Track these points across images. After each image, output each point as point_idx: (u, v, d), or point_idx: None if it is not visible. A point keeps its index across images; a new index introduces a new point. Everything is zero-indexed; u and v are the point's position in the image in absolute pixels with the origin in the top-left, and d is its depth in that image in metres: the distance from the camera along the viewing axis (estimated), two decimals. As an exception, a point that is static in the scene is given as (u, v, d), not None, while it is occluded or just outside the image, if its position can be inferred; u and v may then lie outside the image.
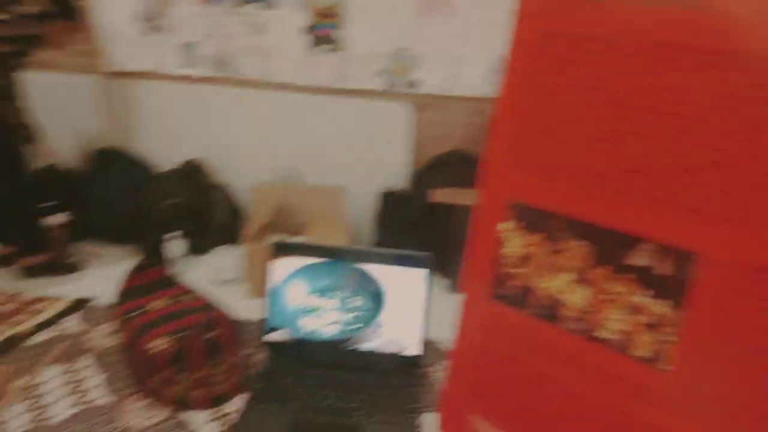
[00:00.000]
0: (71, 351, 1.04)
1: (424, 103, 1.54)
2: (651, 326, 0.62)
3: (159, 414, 0.90)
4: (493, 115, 0.74)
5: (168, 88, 1.75)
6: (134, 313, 0.93)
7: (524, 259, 0.72)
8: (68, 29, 1.78)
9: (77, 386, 0.95)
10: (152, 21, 1.63)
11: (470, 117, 1.54)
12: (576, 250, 0.67)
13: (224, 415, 0.91)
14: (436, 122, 1.56)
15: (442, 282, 1.34)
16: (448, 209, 1.38)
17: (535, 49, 0.67)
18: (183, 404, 0.91)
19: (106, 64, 1.71)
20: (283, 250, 1.06)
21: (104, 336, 1.09)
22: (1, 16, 1.68)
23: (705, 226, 0.57)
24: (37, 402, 0.91)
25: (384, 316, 1.02)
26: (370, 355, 1.02)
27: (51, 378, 0.97)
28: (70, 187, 2.62)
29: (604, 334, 0.66)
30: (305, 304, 1.04)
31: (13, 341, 1.06)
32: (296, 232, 1.45)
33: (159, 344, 0.87)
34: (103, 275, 1.40)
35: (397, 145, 1.59)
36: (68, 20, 1.78)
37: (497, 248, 0.74)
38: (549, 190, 0.69)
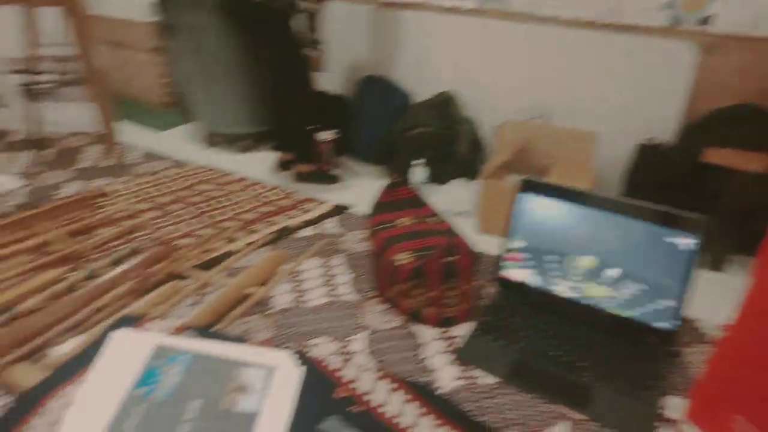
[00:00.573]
0: (328, 249, 1.18)
1: (714, 44, 1.28)
2: None
3: (393, 320, 0.97)
4: None
5: (433, 20, 1.77)
6: (383, 226, 1.00)
7: None
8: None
9: (329, 280, 1.08)
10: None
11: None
12: None
13: (451, 337, 0.94)
14: (725, 68, 1.29)
15: (703, 256, 1.15)
16: (725, 173, 1.15)
17: None
18: (415, 317, 0.97)
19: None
20: (533, 187, 1.00)
21: (356, 241, 1.21)
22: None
23: None
24: (298, 286, 1.06)
25: (636, 277, 0.91)
26: (614, 317, 0.93)
27: (310, 268, 1.11)
28: (339, 108, 2.92)
29: None
30: (554, 249, 0.98)
31: (286, 232, 1.24)
32: (537, 174, 1.38)
33: (402, 258, 0.92)
34: (359, 188, 1.54)
35: (668, 92, 1.37)
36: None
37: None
38: None
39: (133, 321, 0.89)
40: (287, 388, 0.78)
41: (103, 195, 1.36)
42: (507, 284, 1.03)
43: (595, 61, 1.44)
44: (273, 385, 0.78)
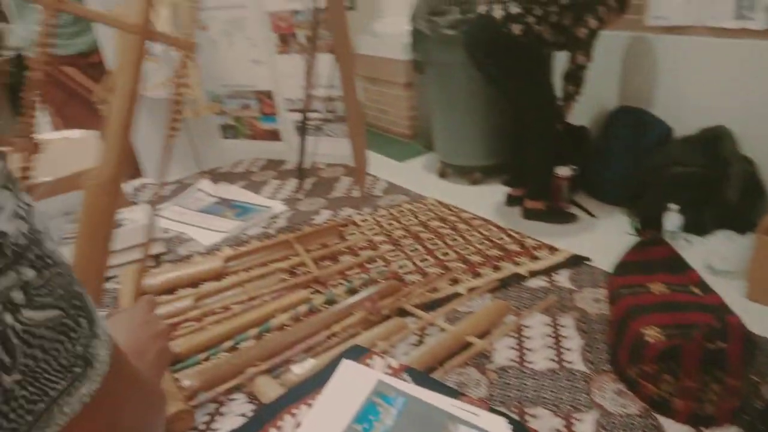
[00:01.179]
0: (558, 305, 1.08)
1: None
2: None
3: (631, 405, 0.83)
4: None
5: (705, 44, 1.53)
6: (629, 290, 0.87)
7: None
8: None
9: (557, 342, 0.98)
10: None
11: None
12: None
13: (707, 442, 0.76)
14: None
15: None
16: None
17: None
18: (659, 407, 0.81)
19: (648, 19, 1.62)
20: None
21: (591, 300, 1.08)
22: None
23: None
24: (521, 343, 0.99)
25: None
26: None
27: (536, 325, 1.03)
28: (580, 141, 2.74)
29: None
30: None
31: (513, 280, 1.17)
32: None
33: (652, 333, 0.78)
34: (598, 233, 1.40)
35: None
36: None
37: None
38: None
39: (360, 352, 0.93)
40: (500, 460, 0.72)
41: (352, 224, 1.48)
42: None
43: None
44: (485, 452, 0.73)
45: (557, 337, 0.99)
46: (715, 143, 1.54)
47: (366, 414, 0.80)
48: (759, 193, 1.41)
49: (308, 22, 1.71)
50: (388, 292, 1.12)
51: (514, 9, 1.88)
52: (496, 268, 1.22)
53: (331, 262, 1.30)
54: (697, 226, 1.44)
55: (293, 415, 0.82)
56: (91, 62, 2.22)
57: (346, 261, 1.30)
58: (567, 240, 1.35)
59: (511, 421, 0.77)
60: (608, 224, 1.49)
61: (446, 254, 1.30)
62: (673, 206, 1.41)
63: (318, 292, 1.18)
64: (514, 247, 1.30)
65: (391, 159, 2.56)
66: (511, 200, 2.32)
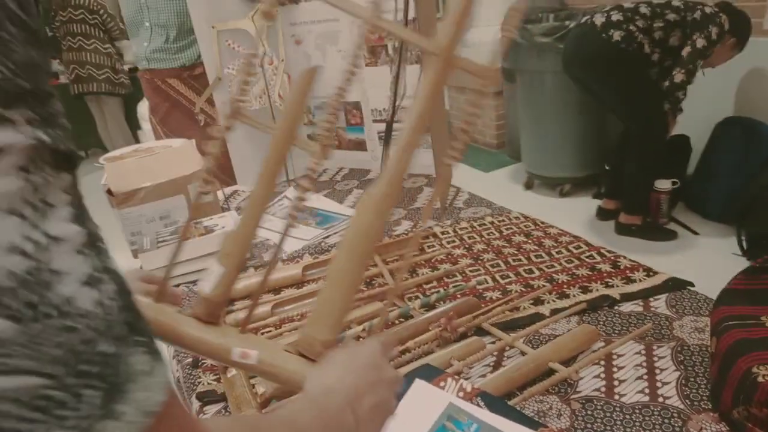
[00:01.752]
0: (654, 334, 0.99)
1: None
2: None
3: (735, 452, 0.74)
4: None
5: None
6: (738, 322, 0.78)
7: None
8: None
9: (650, 374, 0.89)
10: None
11: None
12: None
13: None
14: None
15: None
16: None
17: None
18: (772, 458, 0.71)
19: (767, 23, 1.48)
20: None
21: (691, 330, 0.98)
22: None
23: None
24: (610, 373, 0.91)
25: None
26: None
27: (628, 354, 0.95)
28: (682, 152, 2.55)
29: None
30: None
31: (603, 302, 1.09)
32: None
33: (765, 373, 0.69)
34: (698, 254, 1.27)
35: None
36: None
37: None
38: None
39: (433, 372, 0.90)
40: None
41: (433, 236, 1.46)
42: None
43: None
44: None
45: (651, 369, 0.90)
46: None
47: (437, 437, 0.78)
48: None
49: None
50: (465, 310, 1.08)
51: (616, 16, 1.79)
52: (585, 290, 1.14)
53: (409, 275, 1.28)
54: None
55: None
56: (194, 74, 2.37)
57: (425, 274, 1.27)
58: (665, 259, 1.24)
59: (595, 459, 0.71)
60: (712, 243, 1.36)
61: (530, 271, 1.24)
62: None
63: (394, 305, 1.17)
64: (606, 267, 1.21)
65: (477, 169, 2.51)
66: (604, 214, 2.20)
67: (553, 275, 1.21)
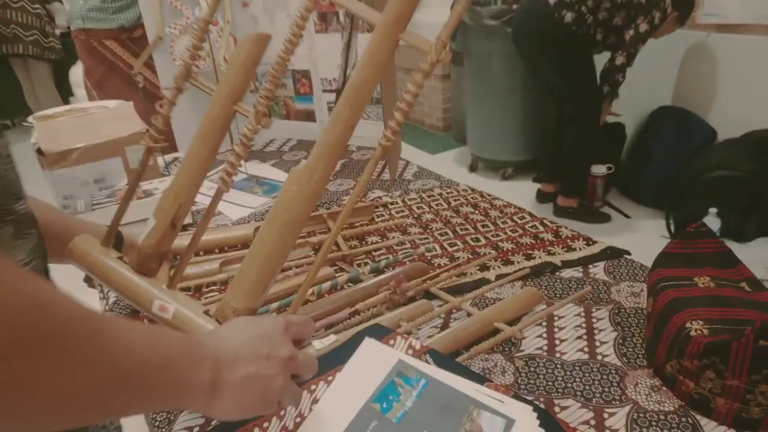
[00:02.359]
0: (593, 297, 1.03)
1: None
2: None
3: (666, 402, 0.78)
4: None
5: (758, 44, 1.46)
6: (672, 283, 0.82)
7: None
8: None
9: (589, 334, 0.93)
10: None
11: None
12: None
13: (749, 446, 0.71)
14: None
15: None
16: None
17: None
18: (698, 406, 0.76)
19: (700, 16, 1.55)
20: None
21: (627, 294, 1.03)
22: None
23: None
24: (552, 333, 0.94)
25: None
26: None
27: (568, 315, 0.98)
28: (616, 139, 2.66)
29: None
30: None
31: (545, 269, 1.12)
32: None
33: (696, 327, 0.73)
34: (631, 235, 1.34)
35: None
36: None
37: None
38: None
39: (383, 331, 0.90)
40: (525, 448, 0.69)
41: (382, 206, 1.46)
42: None
43: None
44: (509, 439, 0.69)
45: (590, 330, 0.94)
46: (761, 148, 1.47)
47: (386, 394, 0.77)
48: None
49: None
50: (414, 274, 1.09)
51: (569, -7, 1.81)
52: (529, 257, 1.17)
53: (359, 243, 1.28)
54: (737, 231, 1.37)
55: (311, 391, 0.79)
56: (133, 37, 2.24)
57: (374, 242, 1.27)
58: (602, 237, 1.29)
59: (537, 409, 0.73)
60: (643, 226, 1.43)
61: (476, 240, 1.26)
62: (712, 210, 1.34)
63: (343, 270, 1.16)
64: (549, 237, 1.25)
65: (423, 151, 2.52)
66: (543, 196, 2.26)
67: (499, 243, 1.23)
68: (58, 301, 0.33)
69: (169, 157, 1.89)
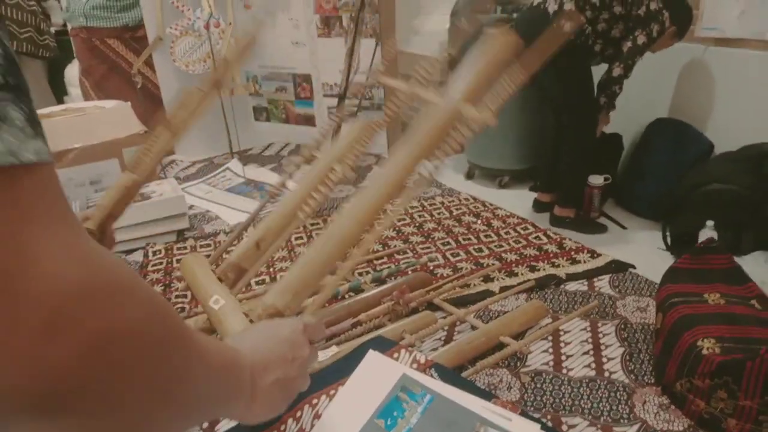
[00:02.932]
0: (598, 312, 1.02)
1: None
2: None
3: (676, 421, 0.77)
4: None
5: (755, 58, 1.46)
6: (682, 299, 0.81)
7: None
8: None
9: (596, 350, 0.92)
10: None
11: None
12: None
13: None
14: None
15: None
16: None
17: None
18: (709, 425, 0.75)
19: (699, 29, 1.56)
20: None
21: (633, 309, 1.02)
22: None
23: None
24: (558, 347, 0.93)
25: None
26: None
27: (574, 330, 0.97)
28: (614, 149, 2.66)
29: None
30: None
31: (550, 281, 1.11)
32: None
33: (708, 345, 0.72)
34: (627, 247, 1.33)
35: None
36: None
37: None
38: None
39: (386, 344, 0.88)
40: (534, 469, 0.67)
41: (382, 213, 1.44)
42: None
43: None
44: (517, 459, 0.68)
45: (597, 345, 0.93)
46: (760, 162, 1.47)
47: (390, 409, 0.76)
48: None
49: (353, 5, 1.67)
50: (417, 284, 1.07)
51: (568, 5, 1.81)
52: (533, 269, 1.16)
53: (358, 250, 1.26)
54: (733, 245, 1.36)
55: (313, 405, 0.77)
56: (136, 36, 2.21)
57: (375, 251, 1.25)
58: (602, 249, 1.29)
59: (545, 428, 0.72)
60: (639, 237, 1.43)
61: (479, 250, 1.25)
62: (709, 224, 1.34)
63: (344, 279, 1.14)
64: (552, 248, 1.24)
65: (422, 156, 2.50)
66: (539, 206, 2.25)
67: (502, 254, 1.22)
68: (170, 309, 0.34)
69: (166, 159, 1.86)
